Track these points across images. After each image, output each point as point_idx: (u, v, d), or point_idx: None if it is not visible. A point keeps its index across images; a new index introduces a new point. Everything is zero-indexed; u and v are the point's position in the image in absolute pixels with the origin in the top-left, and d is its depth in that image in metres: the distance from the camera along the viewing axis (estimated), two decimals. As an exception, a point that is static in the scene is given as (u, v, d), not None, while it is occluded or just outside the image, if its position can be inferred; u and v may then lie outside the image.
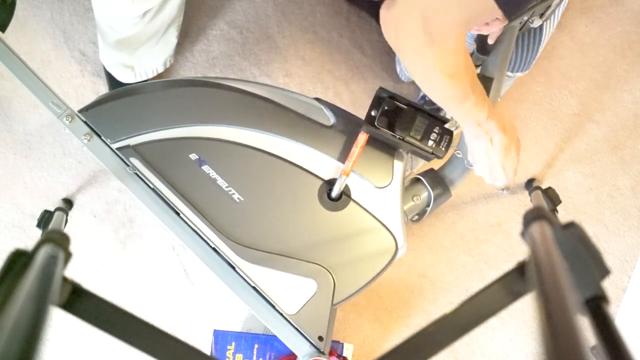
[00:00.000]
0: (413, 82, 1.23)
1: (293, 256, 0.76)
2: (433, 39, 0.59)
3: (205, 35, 1.22)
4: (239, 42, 1.23)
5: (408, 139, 0.76)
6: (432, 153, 0.77)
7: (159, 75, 1.16)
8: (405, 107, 0.76)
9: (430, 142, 0.76)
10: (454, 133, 0.77)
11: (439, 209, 0.92)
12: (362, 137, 0.75)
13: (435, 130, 0.76)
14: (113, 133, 0.77)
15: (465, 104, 0.67)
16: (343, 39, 1.24)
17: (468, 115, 0.69)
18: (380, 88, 0.77)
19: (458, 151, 0.86)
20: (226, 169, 0.76)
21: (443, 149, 0.77)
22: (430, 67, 0.62)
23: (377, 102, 0.76)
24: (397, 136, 0.76)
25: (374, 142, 0.79)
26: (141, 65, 1.11)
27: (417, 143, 0.76)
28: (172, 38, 1.10)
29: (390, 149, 0.79)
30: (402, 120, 0.76)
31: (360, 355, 1.17)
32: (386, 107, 0.76)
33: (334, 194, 0.77)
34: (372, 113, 0.75)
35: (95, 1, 0.94)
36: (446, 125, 0.76)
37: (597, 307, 0.29)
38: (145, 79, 1.14)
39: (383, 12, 0.63)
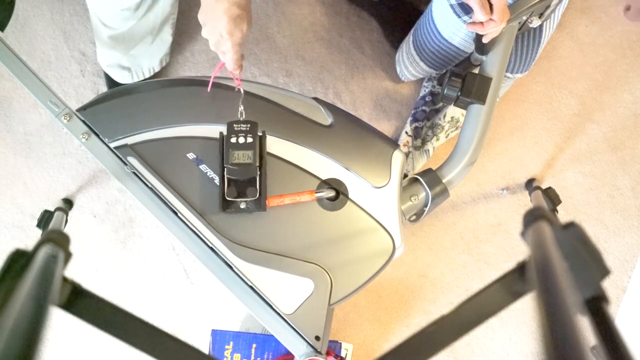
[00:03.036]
0: (413, 82, 1.22)
1: (290, 256, 0.76)
2: None
3: (205, 35, 1.22)
4: (238, 42, 1.23)
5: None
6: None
7: (156, 74, 1.16)
8: None
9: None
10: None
11: (438, 209, 0.92)
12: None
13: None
14: (111, 132, 0.77)
15: None
16: (343, 39, 1.24)
17: None
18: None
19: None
20: None
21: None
22: None
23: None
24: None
25: (371, 141, 0.78)
26: (137, 65, 1.10)
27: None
28: (167, 36, 1.09)
29: (387, 149, 0.79)
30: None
31: (360, 355, 1.17)
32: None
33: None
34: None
35: None
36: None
37: (597, 307, 0.29)
38: (142, 78, 1.13)
39: None
